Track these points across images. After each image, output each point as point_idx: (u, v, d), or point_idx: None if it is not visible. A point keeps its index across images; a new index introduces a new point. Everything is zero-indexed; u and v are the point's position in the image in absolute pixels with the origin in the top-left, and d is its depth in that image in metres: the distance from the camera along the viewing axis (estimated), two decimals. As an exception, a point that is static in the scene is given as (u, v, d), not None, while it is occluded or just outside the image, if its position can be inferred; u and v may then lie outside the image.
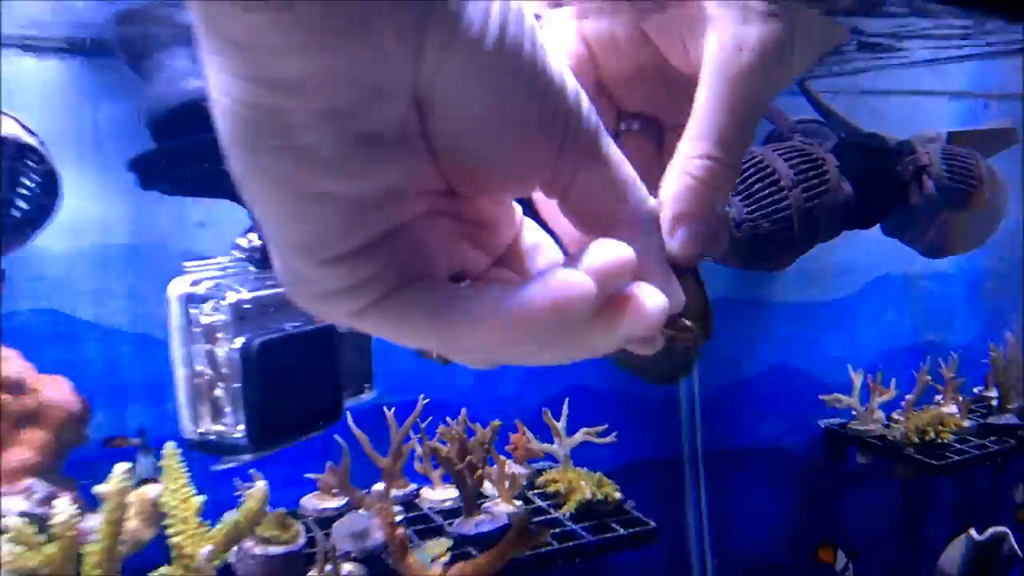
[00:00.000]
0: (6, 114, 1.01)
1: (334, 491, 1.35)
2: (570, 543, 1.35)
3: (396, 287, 0.29)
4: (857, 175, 1.37)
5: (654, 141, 0.40)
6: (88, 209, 1.21)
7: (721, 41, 0.35)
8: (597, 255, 0.28)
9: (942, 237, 1.43)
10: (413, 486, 1.43)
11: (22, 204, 1.02)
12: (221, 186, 0.96)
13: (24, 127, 1.01)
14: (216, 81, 0.26)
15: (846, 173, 1.35)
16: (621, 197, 0.32)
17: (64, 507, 0.95)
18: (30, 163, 1.00)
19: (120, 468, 0.96)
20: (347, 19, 0.25)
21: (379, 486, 1.36)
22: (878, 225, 1.47)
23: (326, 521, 1.31)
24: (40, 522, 0.98)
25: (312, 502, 1.34)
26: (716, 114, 0.34)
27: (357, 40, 0.25)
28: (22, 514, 0.97)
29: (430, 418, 1.36)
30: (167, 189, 1.02)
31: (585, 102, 0.30)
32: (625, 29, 0.38)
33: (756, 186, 1.25)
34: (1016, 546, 1.67)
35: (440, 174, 0.29)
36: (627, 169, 0.32)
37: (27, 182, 1.01)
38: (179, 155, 1.02)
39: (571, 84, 0.30)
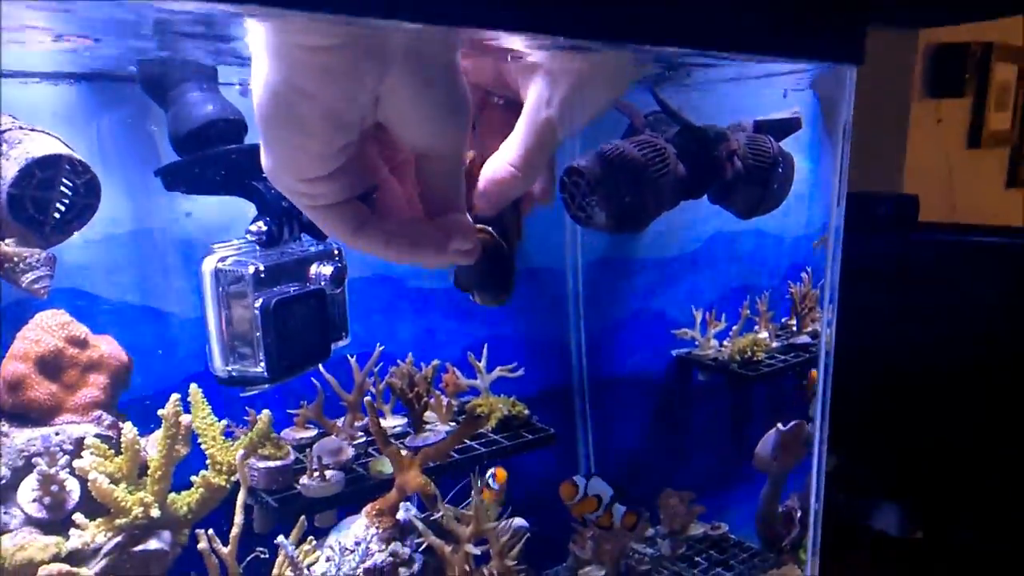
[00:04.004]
0: (48, 133, 1.23)
1: (307, 424, 1.63)
2: (493, 447, 1.67)
3: (338, 201, 0.46)
4: (688, 158, 1.69)
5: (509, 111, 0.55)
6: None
7: (535, 96, 0.50)
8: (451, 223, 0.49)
9: (749, 203, 1.79)
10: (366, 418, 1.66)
11: (67, 206, 1.19)
12: (227, 186, 1.26)
13: (64, 143, 1.22)
14: (262, 75, 0.42)
15: (681, 157, 1.68)
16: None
17: (130, 429, 1.21)
18: (73, 172, 1.19)
19: (175, 397, 1.24)
20: (346, 65, 0.40)
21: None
22: (705, 196, 1.78)
23: (303, 447, 1.56)
24: (108, 441, 1.22)
25: (290, 434, 1.60)
26: (521, 140, 0.51)
27: (347, 79, 0.41)
28: (97, 436, 1.21)
29: (381, 363, 1.62)
30: (186, 190, 1.24)
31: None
32: (496, 67, 0.55)
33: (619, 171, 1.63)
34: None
35: (380, 129, 0.45)
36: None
37: (70, 188, 1.19)
38: (196, 164, 1.22)
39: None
